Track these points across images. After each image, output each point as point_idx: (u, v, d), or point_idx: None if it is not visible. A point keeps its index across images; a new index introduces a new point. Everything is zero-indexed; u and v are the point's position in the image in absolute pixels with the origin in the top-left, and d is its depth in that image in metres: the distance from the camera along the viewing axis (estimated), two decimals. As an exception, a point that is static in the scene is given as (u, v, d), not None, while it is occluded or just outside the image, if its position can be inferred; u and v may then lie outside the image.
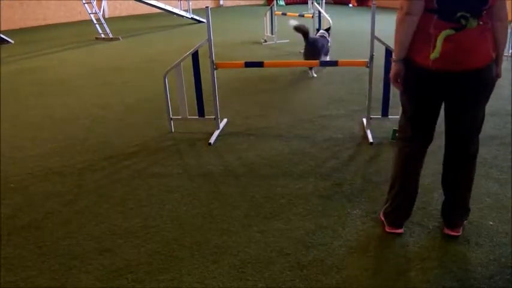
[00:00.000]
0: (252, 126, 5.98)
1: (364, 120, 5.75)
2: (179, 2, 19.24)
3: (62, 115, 6.88)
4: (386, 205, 3.58)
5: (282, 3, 22.49)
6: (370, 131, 5.48)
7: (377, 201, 3.95)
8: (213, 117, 5.77)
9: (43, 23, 19.91)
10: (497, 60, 3.25)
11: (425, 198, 3.96)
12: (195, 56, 5.52)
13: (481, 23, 3.04)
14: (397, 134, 3.56)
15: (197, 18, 17.04)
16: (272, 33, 12.09)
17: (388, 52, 5.13)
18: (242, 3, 24.98)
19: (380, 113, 5.54)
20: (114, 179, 4.67)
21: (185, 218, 3.87)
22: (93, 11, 14.93)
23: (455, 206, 3.49)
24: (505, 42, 3.25)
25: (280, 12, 12.80)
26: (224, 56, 10.05)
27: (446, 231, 3.49)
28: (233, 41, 12.28)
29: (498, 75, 3.33)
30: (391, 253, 3.30)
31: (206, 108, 5.79)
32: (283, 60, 9.60)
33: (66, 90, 8.43)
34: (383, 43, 5.10)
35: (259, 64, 6.10)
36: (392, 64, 3.33)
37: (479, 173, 4.40)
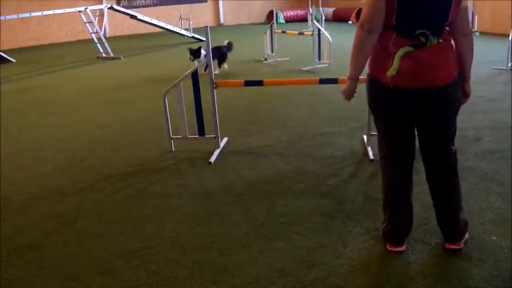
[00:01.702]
0: (252, 145, 5.98)
1: (365, 137, 5.74)
2: (180, 21, 19.33)
3: (63, 134, 6.88)
4: (384, 225, 3.55)
5: (282, 21, 22.59)
6: (371, 148, 5.47)
7: (378, 218, 3.92)
8: (213, 136, 5.76)
9: (45, 42, 20.04)
10: (465, 77, 3.24)
11: (426, 214, 3.92)
12: (194, 75, 5.53)
13: (441, 40, 3.03)
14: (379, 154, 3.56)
15: (197, 37, 17.14)
16: (272, 52, 12.13)
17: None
18: (242, 21, 25.11)
19: (380, 130, 5.53)
20: (114, 199, 4.66)
21: (185, 238, 3.85)
22: (95, 30, 15.03)
23: (449, 218, 3.46)
24: (472, 57, 3.23)
25: (280, 30, 12.87)
26: (224, 74, 10.08)
27: (447, 246, 3.47)
28: (233, 60, 12.30)
29: (467, 94, 3.33)
30: (393, 271, 3.27)
31: (206, 127, 5.78)
32: (283, 78, 9.61)
33: (67, 109, 8.46)
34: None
35: (259, 83, 6.11)
36: (348, 82, 3.34)
37: (481, 187, 4.40)
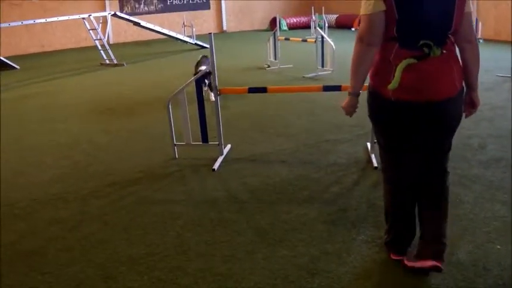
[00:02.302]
0: (255, 152, 5.97)
1: (369, 144, 5.74)
2: (183, 28, 19.35)
3: (66, 141, 6.89)
4: (386, 235, 3.52)
5: (285, 28, 22.60)
6: (375, 155, 5.45)
7: (382, 226, 3.89)
8: (217, 143, 5.76)
9: (48, 49, 20.05)
10: (471, 87, 3.16)
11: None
12: (198, 82, 5.53)
13: (444, 51, 2.94)
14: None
15: (201, 43, 17.14)
16: (275, 58, 12.12)
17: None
18: (245, 28, 25.14)
19: (384, 138, 5.50)
20: (118, 205, 4.66)
21: (189, 244, 3.84)
22: (98, 37, 15.04)
23: (435, 236, 3.27)
24: (478, 66, 3.14)
25: (283, 37, 12.86)
26: (228, 81, 10.09)
27: (431, 262, 3.18)
28: (236, 66, 12.32)
29: (475, 105, 3.24)
30: (397, 279, 3.26)
31: (210, 134, 5.78)
32: (287, 85, 9.61)
33: (70, 115, 8.46)
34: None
35: (263, 90, 6.11)
36: (348, 97, 3.25)
37: (485, 196, 4.39)
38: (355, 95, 3.22)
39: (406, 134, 3.19)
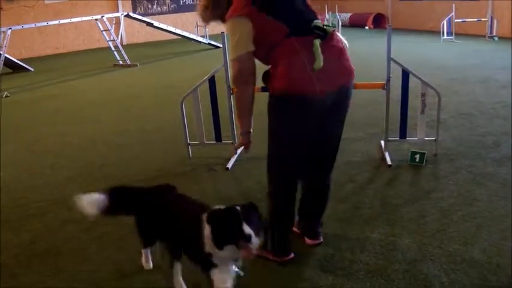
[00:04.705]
0: (269, 151, 5.95)
1: (382, 142, 5.71)
2: (196, 28, 19.39)
3: (80, 142, 6.93)
4: (275, 243, 3.50)
5: (297, 27, 22.58)
6: (388, 153, 5.44)
7: (396, 224, 3.91)
8: (230, 141, 5.78)
9: (62, 51, 20.19)
10: None
11: (444, 220, 3.92)
12: (211, 81, 5.55)
13: (333, 29, 2.97)
14: (271, 175, 3.60)
15: (214, 43, 17.17)
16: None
17: (405, 74, 5.11)
18: (258, 28, 25.17)
19: (398, 135, 5.49)
20: (132, 204, 4.67)
21: (203, 243, 3.85)
22: (111, 39, 15.10)
23: (317, 216, 3.68)
24: None
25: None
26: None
27: (311, 242, 3.65)
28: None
29: None
30: (411, 277, 3.25)
31: (223, 133, 5.80)
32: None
33: (84, 117, 8.51)
34: (399, 65, 5.07)
35: (276, 88, 6.10)
36: (242, 137, 3.39)
37: (499, 193, 4.36)
38: (248, 132, 3.42)
39: (318, 128, 3.24)
